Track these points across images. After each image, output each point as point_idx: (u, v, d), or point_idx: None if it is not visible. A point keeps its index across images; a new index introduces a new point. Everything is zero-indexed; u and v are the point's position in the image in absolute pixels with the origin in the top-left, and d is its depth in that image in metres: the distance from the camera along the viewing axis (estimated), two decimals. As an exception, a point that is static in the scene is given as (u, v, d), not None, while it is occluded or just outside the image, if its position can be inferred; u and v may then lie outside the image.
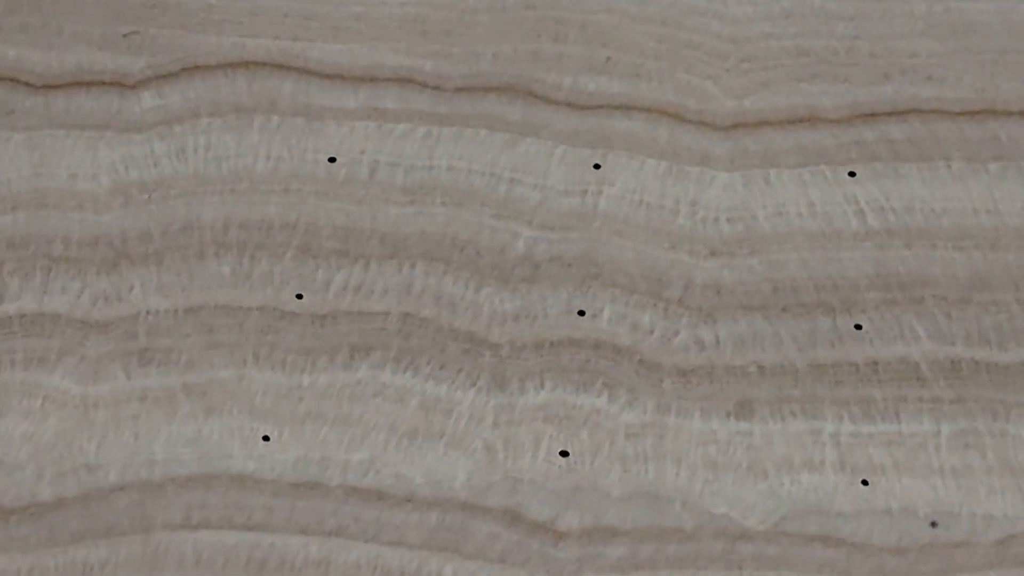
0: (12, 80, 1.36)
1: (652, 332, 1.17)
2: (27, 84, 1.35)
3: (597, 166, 1.26)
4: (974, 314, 1.16)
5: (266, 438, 1.16)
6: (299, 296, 1.22)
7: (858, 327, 1.16)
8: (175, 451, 1.16)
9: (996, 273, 1.18)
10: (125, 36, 1.36)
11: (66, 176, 1.30)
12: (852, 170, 1.23)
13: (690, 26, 1.31)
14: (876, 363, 1.14)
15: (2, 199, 1.28)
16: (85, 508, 1.14)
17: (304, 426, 1.16)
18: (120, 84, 1.35)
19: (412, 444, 1.15)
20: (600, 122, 1.27)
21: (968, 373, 1.14)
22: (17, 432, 1.17)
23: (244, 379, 1.19)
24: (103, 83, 1.35)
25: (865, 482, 1.10)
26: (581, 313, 1.19)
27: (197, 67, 1.36)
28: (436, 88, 1.31)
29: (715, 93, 1.27)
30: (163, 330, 1.21)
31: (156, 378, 1.19)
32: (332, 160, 1.29)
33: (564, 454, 1.13)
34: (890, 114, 1.25)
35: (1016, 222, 1.22)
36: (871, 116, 1.25)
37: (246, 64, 1.35)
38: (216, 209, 1.28)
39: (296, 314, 1.21)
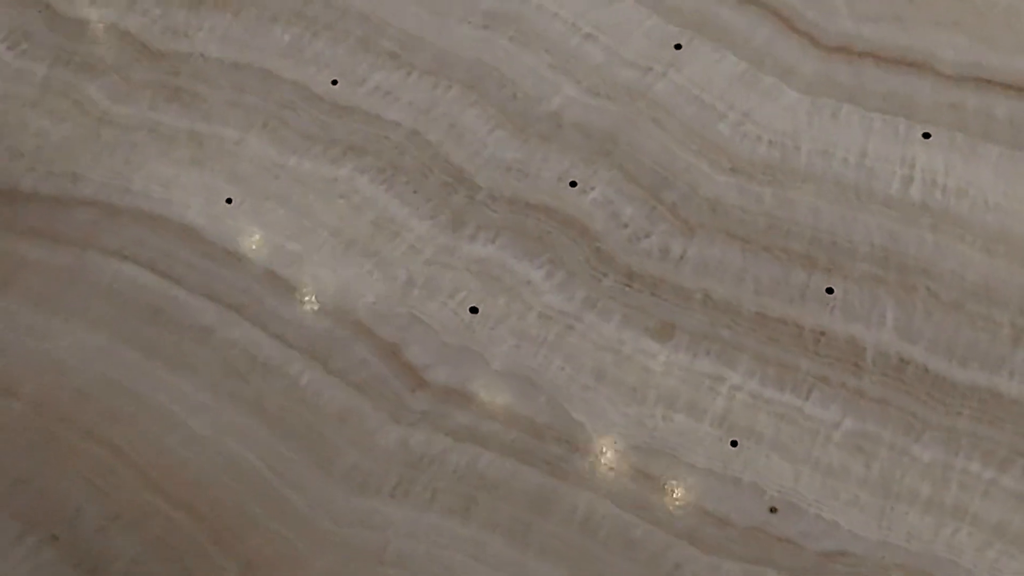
0: None
1: (626, 226, 1.87)
2: None
3: (678, 46, 1.99)
4: (957, 321, 1.75)
5: (228, 201, 1.98)
6: (334, 82, 2.02)
7: (830, 291, 1.80)
8: (149, 186, 2.05)
9: (1008, 289, 1.76)
10: None
11: (201, -94, 2.23)
12: (928, 132, 1.86)
13: None
14: (823, 334, 1.77)
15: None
16: (50, 210, 2.08)
17: (264, 202, 2.00)
18: None
19: (345, 252, 1.93)
20: (706, 5, 2.00)
21: (911, 378, 1.73)
22: (35, 125, 2.14)
23: (242, 143, 2.05)
24: None
25: (734, 443, 1.69)
26: (573, 184, 1.92)
27: None
28: None
29: (841, 9, 1.97)
30: (203, 76, 2.11)
31: (172, 116, 2.11)
32: None
33: (474, 311, 1.85)
34: (1008, 87, 1.83)
35: (1072, 244, 1.80)
36: (987, 83, 1.89)
37: None
38: None
39: (321, 99, 2.07)
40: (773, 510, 1.70)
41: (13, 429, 1.94)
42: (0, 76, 2.22)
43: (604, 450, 1.78)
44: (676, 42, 2.01)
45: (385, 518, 1.80)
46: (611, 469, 1.76)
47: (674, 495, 1.73)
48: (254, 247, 2.00)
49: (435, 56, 2.09)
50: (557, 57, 2.04)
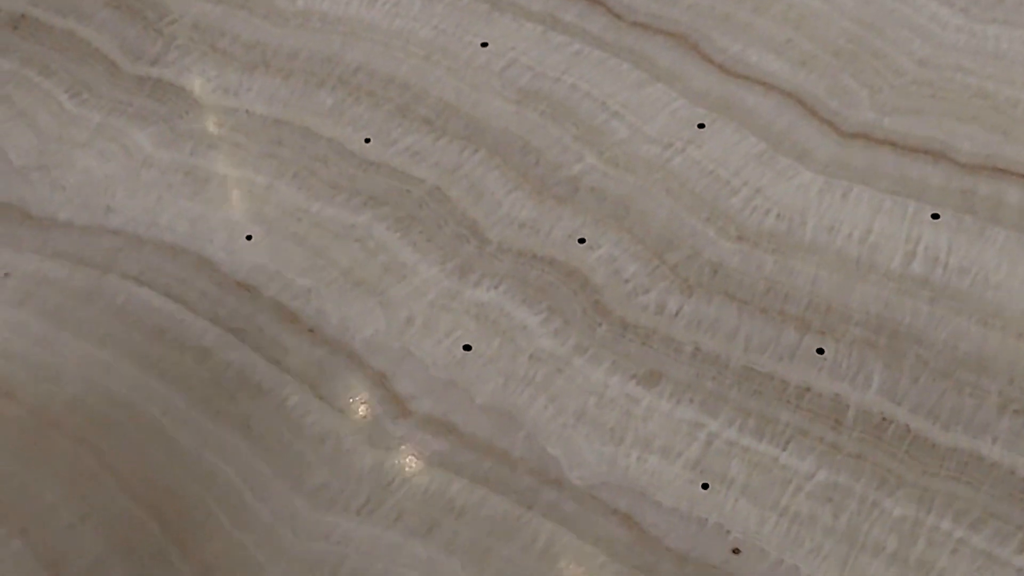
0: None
1: (628, 282, 1.83)
2: None
3: (701, 126, 1.99)
4: (943, 387, 1.69)
5: (248, 238, 1.96)
6: (367, 141, 2.02)
7: (820, 352, 1.74)
8: (176, 222, 2.05)
9: (1000, 361, 1.70)
10: None
11: (276, -11, 2.24)
12: (937, 213, 1.83)
13: (891, 37, 2.04)
14: (807, 390, 1.71)
15: None
16: (79, 236, 2.10)
17: (283, 241, 1.98)
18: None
19: (352, 290, 1.90)
20: (735, 91, 2.03)
21: (891, 437, 1.66)
22: (81, 163, 2.15)
23: (271, 188, 2.03)
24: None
25: (705, 486, 1.61)
26: (581, 241, 1.91)
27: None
28: (618, 17, 2.15)
29: (864, 102, 1.94)
30: (246, 129, 2.12)
31: (209, 162, 2.09)
32: (484, 45, 2.10)
33: (467, 348, 1.82)
34: (1022, 176, 1.77)
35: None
36: (1001, 172, 1.86)
37: (481, -52, 2.21)
38: (360, 53, 2.23)
39: (353, 154, 2.07)
40: (736, 551, 1.61)
41: (5, 429, 1.90)
42: (57, 121, 2.23)
43: (573, 484, 1.70)
44: (700, 122, 2.01)
45: (346, 534, 1.71)
46: (577, 502, 1.68)
47: (635, 530, 1.66)
48: (265, 280, 1.97)
49: (467, 124, 2.09)
50: (583, 130, 2.04)
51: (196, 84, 2.25)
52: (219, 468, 1.82)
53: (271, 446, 1.82)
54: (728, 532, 1.63)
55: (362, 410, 1.82)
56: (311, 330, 1.91)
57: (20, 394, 1.94)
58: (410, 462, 1.77)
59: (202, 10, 2.35)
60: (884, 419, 1.69)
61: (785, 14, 2.12)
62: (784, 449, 1.68)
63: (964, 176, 1.89)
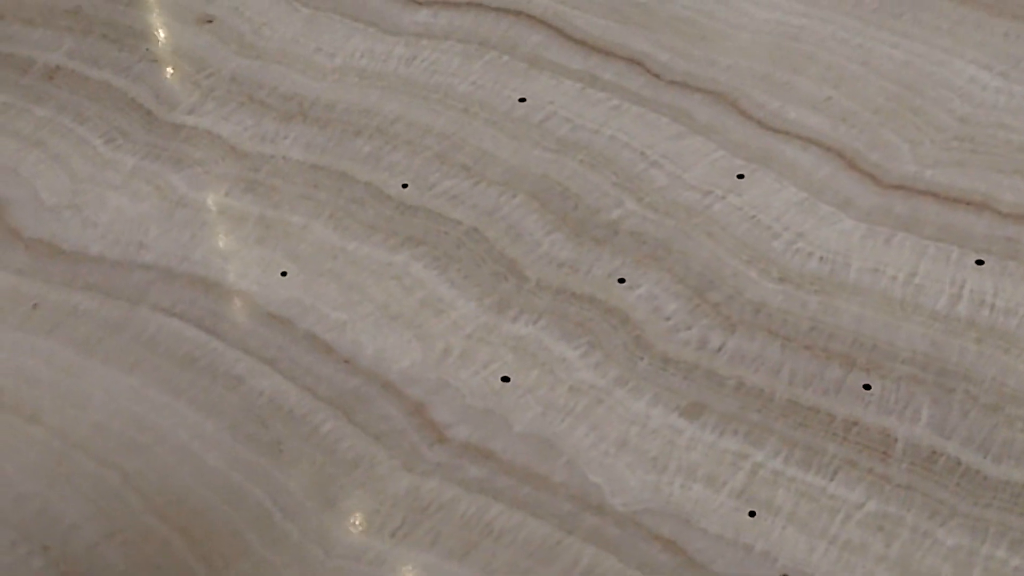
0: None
1: (668, 319, 1.78)
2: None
3: (741, 176, 1.96)
4: (993, 422, 1.63)
5: (284, 274, 1.91)
6: (404, 186, 1.98)
7: (867, 387, 1.69)
8: (210, 259, 2.00)
9: None
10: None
11: (313, 48, 2.19)
12: (982, 259, 1.79)
13: (931, 96, 2.03)
14: (855, 424, 1.65)
15: (263, 52, 2.19)
16: (111, 269, 2.04)
17: (318, 278, 1.94)
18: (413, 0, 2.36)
19: (388, 323, 1.85)
20: (774, 144, 2.00)
21: (941, 469, 1.60)
22: (114, 203, 2.11)
23: (307, 228, 1.99)
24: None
25: (752, 514, 1.56)
26: (621, 280, 1.87)
27: (481, 5, 2.22)
28: (656, 76, 2.13)
29: (905, 155, 1.93)
30: (282, 173, 2.07)
31: (244, 203, 2.06)
32: (522, 100, 2.08)
33: (505, 380, 1.76)
34: None
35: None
36: None
37: (519, 13, 2.19)
38: (398, 105, 2.20)
39: (390, 198, 2.02)
40: (784, 577, 1.57)
41: (28, 451, 1.81)
42: (91, 164, 2.17)
43: (615, 509, 1.62)
44: (739, 172, 1.97)
45: (379, 556, 1.63)
46: (619, 527, 1.60)
47: (681, 556, 1.57)
48: (300, 313, 1.90)
49: (505, 170, 2.04)
50: (622, 178, 2.00)
51: (233, 132, 2.19)
52: (248, 489, 1.74)
53: (303, 469, 1.74)
54: (775, 559, 1.55)
55: (397, 437, 1.76)
56: (346, 361, 1.84)
57: (45, 418, 1.85)
58: (447, 487, 1.68)
59: (239, 65, 2.31)
60: (934, 452, 1.63)
61: (824, 75, 2.10)
62: (832, 479, 1.62)
63: (1008, 225, 1.87)
